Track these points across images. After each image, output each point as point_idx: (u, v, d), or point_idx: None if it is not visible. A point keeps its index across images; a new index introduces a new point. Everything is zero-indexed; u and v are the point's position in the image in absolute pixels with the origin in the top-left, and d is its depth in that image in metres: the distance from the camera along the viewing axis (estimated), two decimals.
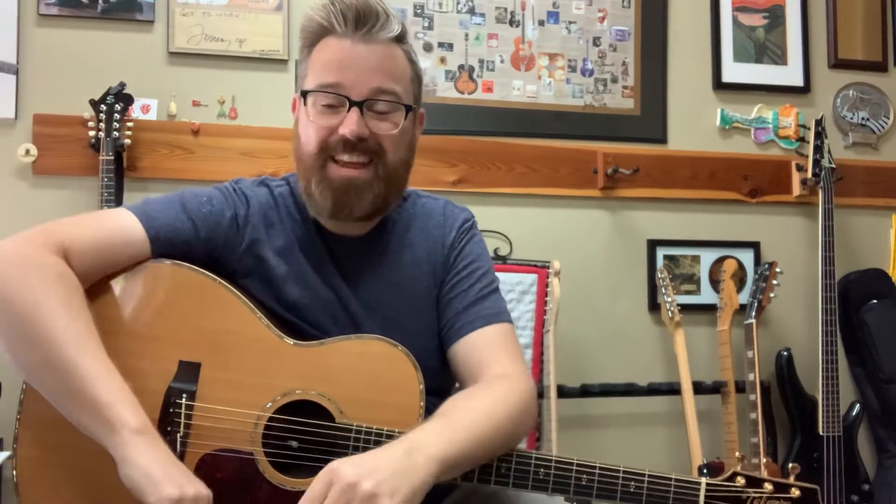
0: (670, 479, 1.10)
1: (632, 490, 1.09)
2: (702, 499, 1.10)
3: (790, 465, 1.15)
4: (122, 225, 1.14)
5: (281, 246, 1.22)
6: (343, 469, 0.94)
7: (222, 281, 1.16)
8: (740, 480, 1.11)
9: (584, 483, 1.09)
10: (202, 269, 1.16)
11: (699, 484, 1.10)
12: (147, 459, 0.98)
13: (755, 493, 1.11)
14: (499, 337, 1.21)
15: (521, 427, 1.13)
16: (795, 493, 1.11)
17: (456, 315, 1.23)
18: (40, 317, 1.01)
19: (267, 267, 1.21)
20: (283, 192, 1.26)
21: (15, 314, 1.02)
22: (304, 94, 1.18)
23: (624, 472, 1.09)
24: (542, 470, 1.09)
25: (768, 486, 1.11)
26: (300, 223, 1.24)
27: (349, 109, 1.15)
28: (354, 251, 1.25)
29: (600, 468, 1.09)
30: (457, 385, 1.26)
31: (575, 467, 1.09)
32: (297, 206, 1.25)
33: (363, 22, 1.15)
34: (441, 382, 1.23)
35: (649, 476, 1.10)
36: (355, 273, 1.24)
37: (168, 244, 1.16)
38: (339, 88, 1.15)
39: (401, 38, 1.19)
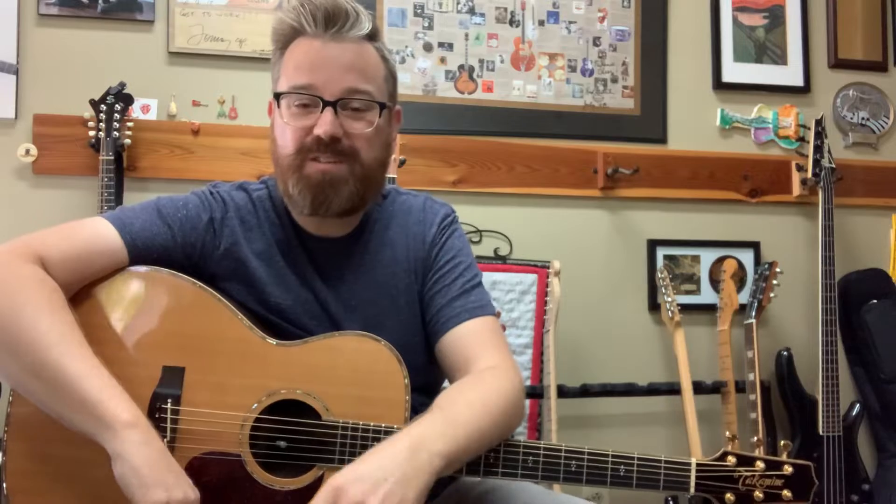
0: (660, 460, 1.09)
1: (622, 474, 1.08)
2: (693, 479, 1.09)
3: (781, 442, 1.14)
4: (98, 233, 1.14)
5: (260, 249, 1.23)
6: (347, 488, 0.93)
7: (202, 285, 1.16)
8: (731, 460, 1.10)
9: (573, 469, 1.09)
10: (182, 274, 1.16)
11: (689, 464, 1.10)
12: (138, 460, 0.98)
13: (747, 471, 1.09)
14: (484, 330, 1.21)
15: (514, 418, 1.13)
16: (788, 469, 1.09)
17: (440, 309, 1.23)
18: (22, 323, 1.01)
19: (247, 269, 1.21)
20: (262, 195, 1.27)
21: None
22: (278, 96, 1.18)
23: (613, 456, 1.09)
24: (530, 458, 1.09)
25: (760, 465, 1.09)
26: (279, 226, 1.25)
27: (322, 110, 1.15)
28: (334, 252, 1.25)
29: (589, 453, 1.09)
30: (446, 382, 1.26)
31: (563, 454, 1.09)
32: (275, 209, 1.26)
33: (333, 21, 1.15)
34: (426, 379, 1.23)
35: (638, 459, 1.09)
36: (335, 274, 1.24)
37: (146, 250, 1.16)
38: (311, 89, 1.15)
39: (372, 36, 1.19)
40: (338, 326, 1.21)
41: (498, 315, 2.38)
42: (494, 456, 1.09)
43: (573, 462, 1.09)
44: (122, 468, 0.99)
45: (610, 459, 1.09)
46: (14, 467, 1.08)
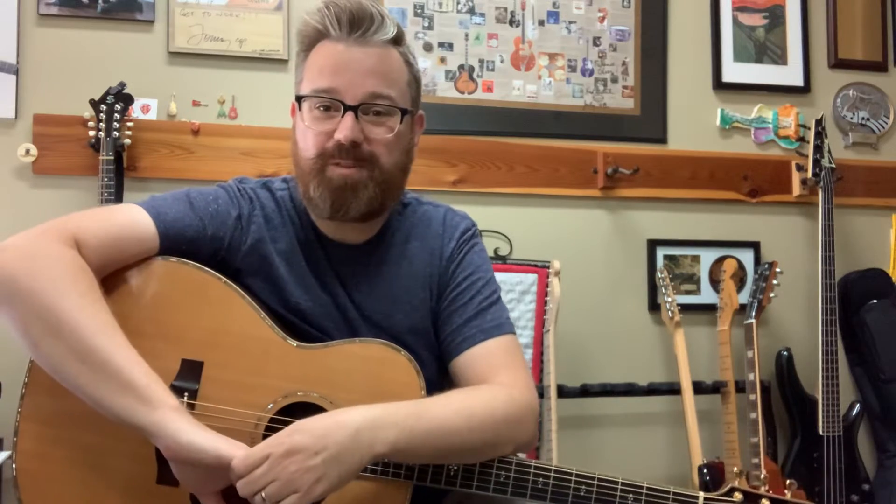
0: (668, 492, 1.10)
1: (629, 502, 1.09)
2: None
3: (787, 481, 1.15)
4: (134, 220, 1.15)
5: (283, 248, 1.23)
6: (278, 456, 0.98)
7: (228, 280, 1.16)
8: (738, 496, 1.11)
9: (582, 493, 1.09)
10: (208, 268, 1.16)
11: (697, 498, 1.10)
12: (194, 434, 1.01)
13: None
14: (500, 350, 1.21)
15: (508, 433, 1.11)
16: None
17: (456, 329, 1.22)
18: (66, 307, 1.02)
19: (271, 267, 1.22)
20: (284, 195, 1.27)
21: (39, 306, 1.03)
22: (300, 99, 1.18)
23: (622, 484, 1.10)
24: (540, 479, 1.10)
25: (766, 503, 1.11)
26: (300, 227, 1.25)
27: (344, 114, 1.15)
28: (353, 259, 1.25)
29: (599, 479, 1.10)
30: None
31: (574, 478, 1.09)
32: (296, 210, 1.26)
33: (358, 25, 1.15)
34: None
35: (647, 489, 1.10)
36: (353, 281, 1.24)
37: (176, 240, 1.16)
38: (333, 93, 1.15)
39: (397, 41, 1.19)
40: (355, 332, 1.21)
41: None
42: (505, 474, 1.10)
43: (583, 487, 1.09)
44: (174, 442, 1.00)
45: (619, 487, 1.10)
46: (25, 449, 1.09)
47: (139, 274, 1.14)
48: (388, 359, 1.13)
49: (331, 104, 1.16)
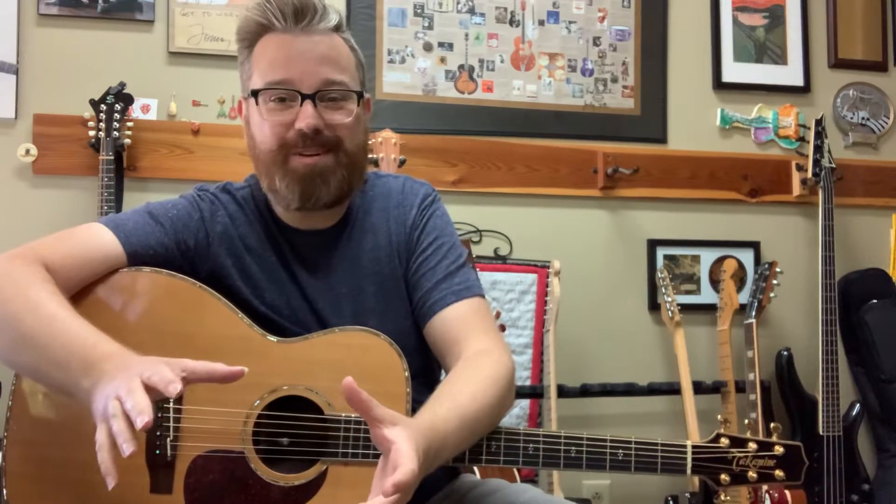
0: (657, 444, 1.12)
1: (620, 458, 1.11)
2: (689, 461, 1.11)
3: (772, 424, 1.16)
4: (96, 235, 1.16)
5: (250, 246, 1.24)
6: (412, 477, 0.89)
7: (201, 284, 1.17)
8: (724, 441, 1.13)
9: (573, 455, 1.10)
10: (180, 274, 1.17)
11: (685, 447, 1.12)
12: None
13: (740, 452, 1.12)
14: (471, 312, 1.21)
15: (507, 402, 1.15)
16: (779, 450, 1.12)
17: (426, 293, 1.23)
18: (34, 315, 1.02)
19: (242, 266, 1.23)
20: (245, 194, 1.28)
21: (6, 317, 1.03)
22: (255, 93, 1.19)
23: (611, 441, 1.11)
24: (531, 445, 1.10)
25: (752, 446, 1.12)
26: (264, 223, 1.26)
27: (301, 103, 1.16)
28: (319, 245, 1.25)
29: (587, 439, 1.11)
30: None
31: (563, 440, 1.10)
32: (258, 207, 1.27)
33: (302, 15, 1.17)
34: (421, 362, 1.24)
35: (636, 443, 1.11)
36: (322, 266, 1.25)
37: (142, 249, 1.17)
38: (288, 84, 1.16)
39: (339, 28, 1.21)
40: (328, 319, 1.22)
41: (498, 315, 2.38)
42: (496, 444, 1.10)
43: (573, 448, 1.10)
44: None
45: (608, 444, 1.11)
46: (14, 472, 1.08)
47: (110, 288, 1.15)
48: (370, 344, 1.14)
49: (287, 95, 1.17)
